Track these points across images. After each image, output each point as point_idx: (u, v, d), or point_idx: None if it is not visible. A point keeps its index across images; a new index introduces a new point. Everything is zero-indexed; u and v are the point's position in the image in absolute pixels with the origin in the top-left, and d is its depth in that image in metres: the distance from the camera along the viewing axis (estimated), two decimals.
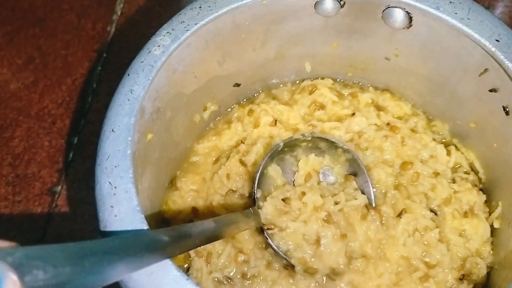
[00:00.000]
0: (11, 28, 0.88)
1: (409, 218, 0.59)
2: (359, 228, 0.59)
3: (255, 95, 0.74)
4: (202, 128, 0.71)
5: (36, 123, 0.79)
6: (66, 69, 0.84)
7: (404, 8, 0.57)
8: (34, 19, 0.89)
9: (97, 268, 0.31)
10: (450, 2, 0.52)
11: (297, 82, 0.74)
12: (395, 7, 0.57)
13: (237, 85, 0.70)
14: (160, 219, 0.64)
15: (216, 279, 0.58)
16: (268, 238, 0.59)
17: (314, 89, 0.71)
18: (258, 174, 0.62)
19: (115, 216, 0.44)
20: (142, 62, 0.51)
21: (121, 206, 0.44)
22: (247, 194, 0.63)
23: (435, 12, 0.52)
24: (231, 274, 0.59)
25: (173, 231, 0.45)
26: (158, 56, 0.51)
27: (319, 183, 0.63)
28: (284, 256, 0.59)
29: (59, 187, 0.75)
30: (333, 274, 0.58)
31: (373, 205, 0.62)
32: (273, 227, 0.59)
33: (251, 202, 0.62)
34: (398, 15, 0.58)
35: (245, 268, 0.58)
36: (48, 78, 0.83)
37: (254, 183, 0.62)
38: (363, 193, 0.62)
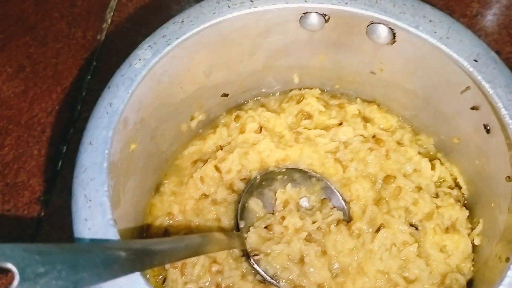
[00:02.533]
0: (2, 36, 0.88)
1: (386, 233, 0.59)
2: (327, 241, 0.60)
3: (244, 103, 0.74)
4: (189, 136, 0.71)
5: (26, 131, 0.80)
6: (56, 77, 0.84)
7: (387, 25, 0.57)
8: (25, 27, 0.89)
9: (66, 271, 0.33)
10: (430, 21, 0.52)
11: (286, 92, 0.74)
12: (378, 23, 0.57)
13: (225, 95, 0.71)
14: (143, 226, 0.65)
15: None
16: (255, 263, 0.60)
17: (301, 99, 0.71)
18: (240, 206, 0.64)
19: (89, 229, 0.44)
20: (123, 75, 0.51)
21: (95, 219, 0.45)
22: (218, 200, 0.65)
23: (415, 31, 0.52)
24: (206, 284, 0.59)
25: (151, 243, 0.46)
26: (138, 69, 0.52)
27: (298, 210, 0.64)
28: (272, 280, 0.60)
29: (48, 196, 0.75)
30: None
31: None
32: (258, 252, 0.60)
33: (224, 210, 0.64)
34: (382, 31, 0.58)
35: (219, 279, 0.59)
36: (39, 87, 0.83)
37: (237, 214, 0.63)
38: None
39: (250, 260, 0.61)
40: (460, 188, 0.66)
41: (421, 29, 0.52)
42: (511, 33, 0.85)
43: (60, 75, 0.84)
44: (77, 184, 0.47)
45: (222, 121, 0.72)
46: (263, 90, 0.74)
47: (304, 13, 0.59)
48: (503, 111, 0.48)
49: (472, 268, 0.61)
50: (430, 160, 0.67)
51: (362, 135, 0.69)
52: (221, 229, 0.63)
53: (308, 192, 0.66)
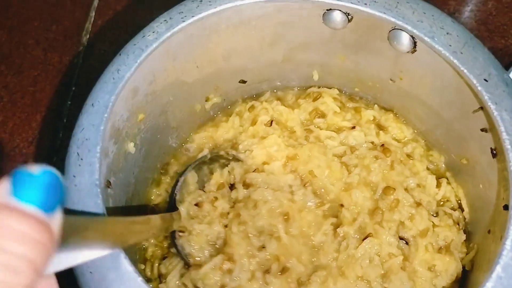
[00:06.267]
0: None
1: (372, 242, 0.58)
2: None
3: (262, 93, 0.74)
4: (203, 118, 0.72)
5: (8, 164, 0.78)
6: (35, 105, 0.82)
7: (408, 32, 0.56)
8: (0, 56, 0.86)
9: None
10: (447, 34, 0.51)
11: (305, 87, 0.74)
12: (400, 29, 0.56)
13: (243, 81, 0.71)
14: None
15: None
16: (176, 238, 0.60)
17: (318, 97, 0.71)
18: (182, 179, 0.64)
19: (75, 185, 0.46)
20: (135, 45, 0.53)
21: (82, 177, 0.46)
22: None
23: (430, 42, 0.51)
24: None
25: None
26: (150, 41, 0.53)
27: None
28: (184, 257, 0.60)
29: None
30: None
31: None
32: (184, 230, 0.61)
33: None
34: (404, 39, 0.57)
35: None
36: (18, 117, 0.81)
37: (175, 187, 0.63)
38: None
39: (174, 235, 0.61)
40: (462, 210, 0.64)
41: (436, 40, 0.51)
42: (489, 29, 0.85)
43: (39, 103, 0.82)
44: (73, 142, 0.49)
45: (237, 109, 0.72)
46: (279, 83, 0.74)
47: (327, 10, 0.59)
48: (504, 136, 0.46)
49: None
50: (438, 178, 0.66)
51: (372, 142, 0.68)
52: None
53: None
